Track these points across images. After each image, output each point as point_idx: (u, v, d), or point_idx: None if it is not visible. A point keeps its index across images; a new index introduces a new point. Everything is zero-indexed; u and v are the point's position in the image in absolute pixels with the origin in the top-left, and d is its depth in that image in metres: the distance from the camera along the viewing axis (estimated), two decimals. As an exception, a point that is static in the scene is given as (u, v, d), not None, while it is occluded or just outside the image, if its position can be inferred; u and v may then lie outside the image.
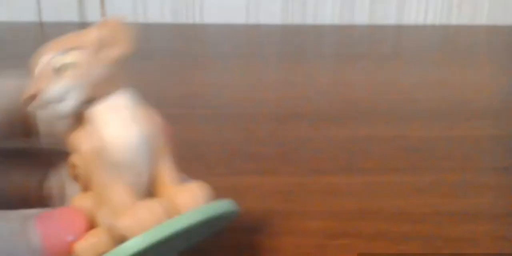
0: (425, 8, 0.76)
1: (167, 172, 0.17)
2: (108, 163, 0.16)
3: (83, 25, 0.72)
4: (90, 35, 0.16)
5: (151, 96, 0.47)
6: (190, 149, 0.34)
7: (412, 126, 0.39)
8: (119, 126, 0.16)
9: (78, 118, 0.16)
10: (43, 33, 0.69)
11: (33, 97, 0.15)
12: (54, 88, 0.15)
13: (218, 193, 0.29)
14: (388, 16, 0.76)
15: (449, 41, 0.69)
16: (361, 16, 0.76)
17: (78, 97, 0.16)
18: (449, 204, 0.28)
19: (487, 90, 0.48)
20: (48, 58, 0.16)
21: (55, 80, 0.15)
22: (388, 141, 0.36)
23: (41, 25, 0.73)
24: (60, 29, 0.70)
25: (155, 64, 0.54)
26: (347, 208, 0.27)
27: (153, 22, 0.75)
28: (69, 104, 0.15)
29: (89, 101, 0.16)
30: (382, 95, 0.45)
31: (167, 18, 0.75)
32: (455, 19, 0.77)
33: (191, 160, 0.32)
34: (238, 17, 0.75)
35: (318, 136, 0.37)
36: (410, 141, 0.36)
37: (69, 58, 0.16)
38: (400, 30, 0.74)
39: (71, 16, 0.74)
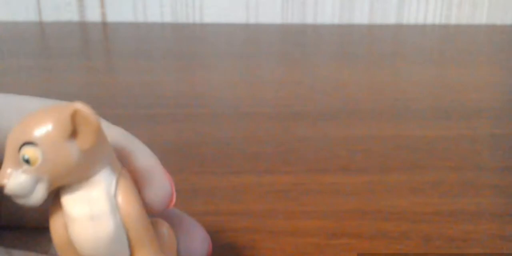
0: (425, 8, 0.76)
1: None
2: (79, 254, 0.15)
3: (83, 25, 0.72)
4: (58, 125, 0.15)
5: (151, 96, 0.47)
6: (189, 148, 0.34)
7: (412, 125, 0.39)
8: (88, 223, 0.15)
9: (54, 201, 0.15)
10: (43, 32, 0.69)
11: (1, 187, 0.14)
12: (18, 184, 0.14)
13: (218, 192, 0.29)
14: (388, 15, 0.76)
15: (449, 41, 0.69)
16: (361, 16, 0.76)
17: (46, 188, 0.15)
18: (449, 204, 0.28)
19: (487, 89, 0.48)
20: (15, 146, 0.14)
21: (20, 174, 0.14)
22: (387, 140, 0.36)
23: (41, 24, 0.73)
24: (60, 29, 0.70)
25: (155, 64, 0.54)
26: (347, 208, 0.27)
27: (153, 21, 0.75)
28: (37, 197, 0.15)
29: (63, 188, 0.15)
30: (382, 95, 0.45)
31: (167, 17, 0.75)
32: (455, 19, 0.77)
33: (190, 160, 0.32)
34: (238, 17, 0.75)
35: (317, 135, 0.36)
36: (409, 141, 0.36)
37: (34, 150, 0.14)
38: (400, 29, 0.74)
39: (71, 16, 0.74)
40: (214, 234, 0.25)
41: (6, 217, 0.18)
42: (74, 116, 0.14)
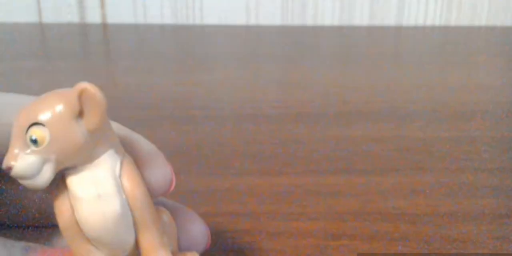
0: (425, 9, 0.76)
1: (151, 242, 0.16)
2: (85, 237, 0.15)
3: (83, 27, 0.73)
4: (65, 105, 0.15)
5: (151, 97, 0.47)
6: (189, 150, 0.34)
7: (411, 126, 0.39)
8: (94, 202, 0.15)
9: (59, 183, 0.15)
10: (43, 34, 0.69)
11: (8, 170, 0.14)
12: (25, 164, 0.14)
13: (218, 194, 0.29)
14: (387, 17, 0.76)
15: (449, 42, 0.69)
16: (361, 17, 0.76)
17: (53, 169, 0.15)
18: (448, 205, 0.28)
19: (486, 91, 0.48)
20: (22, 128, 0.15)
21: (27, 155, 0.14)
22: (387, 141, 0.36)
23: (41, 26, 0.73)
24: (60, 29, 0.70)
25: (155, 65, 0.54)
26: (347, 209, 0.27)
27: (153, 23, 0.75)
28: (43, 178, 0.15)
29: (68, 169, 0.15)
30: (382, 96, 0.45)
31: (167, 19, 0.75)
32: (454, 20, 0.77)
33: (190, 161, 0.32)
34: (238, 18, 0.75)
35: (317, 136, 0.37)
36: (409, 142, 0.36)
37: (42, 131, 0.14)
38: (400, 31, 0.74)
39: (71, 17, 0.74)
40: (214, 235, 0.25)
41: (4, 216, 0.19)
42: (81, 95, 0.15)
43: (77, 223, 0.15)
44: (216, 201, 0.28)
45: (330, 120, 0.40)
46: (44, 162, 0.14)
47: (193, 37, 0.69)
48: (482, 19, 0.77)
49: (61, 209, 0.15)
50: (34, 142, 0.14)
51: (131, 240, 0.16)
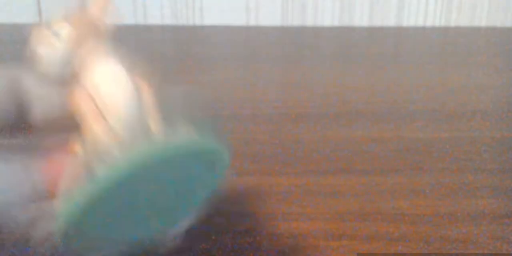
0: (425, 10, 0.76)
1: (155, 125, 0.20)
2: (104, 114, 0.18)
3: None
4: (85, 12, 0.19)
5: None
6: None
7: (411, 127, 0.39)
8: (114, 86, 0.19)
9: (75, 80, 0.19)
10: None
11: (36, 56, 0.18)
12: (53, 49, 0.18)
13: (218, 194, 0.29)
14: (388, 17, 0.76)
15: (449, 43, 0.69)
16: (361, 18, 0.76)
17: (74, 59, 0.18)
18: (448, 205, 0.28)
19: (486, 91, 0.48)
20: (48, 27, 0.18)
21: (55, 43, 0.18)
22: (387, 142, 0.36)
23: (41, 26, 0.73)
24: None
25: (155, 65, 0.54)
26: (347, 209, 0.27)
27: (153, 23, 0.75)
28: (67, 65, 0.18)
29: (84, 67, 0.19)
30: (382, 96, 0.45)
31: (167, 19, 0.75)
32: (454, 21, 0.77)
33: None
34: (238, 19, 0.75)
35: (317, 137, 0.37)
36: (409, 142, 0.36)
37: (67, 29, 0.18)
38: (400, 31, 0.74)
39: (71, 17, 0.74)
40: (214, 235, 0.25)
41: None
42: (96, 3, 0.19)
43: (99, 112, 0.18)
44: (215, 202, 0.28)
45: (330, 120, 0.40)
46: (67, 51, 0.18)
47: (193, 37, 0.69)
48: (482, 19, 0.77)
49: (82, 98, 0.18)
50: (62, 34, 0.18)
51: (140, 121, 0.19)
